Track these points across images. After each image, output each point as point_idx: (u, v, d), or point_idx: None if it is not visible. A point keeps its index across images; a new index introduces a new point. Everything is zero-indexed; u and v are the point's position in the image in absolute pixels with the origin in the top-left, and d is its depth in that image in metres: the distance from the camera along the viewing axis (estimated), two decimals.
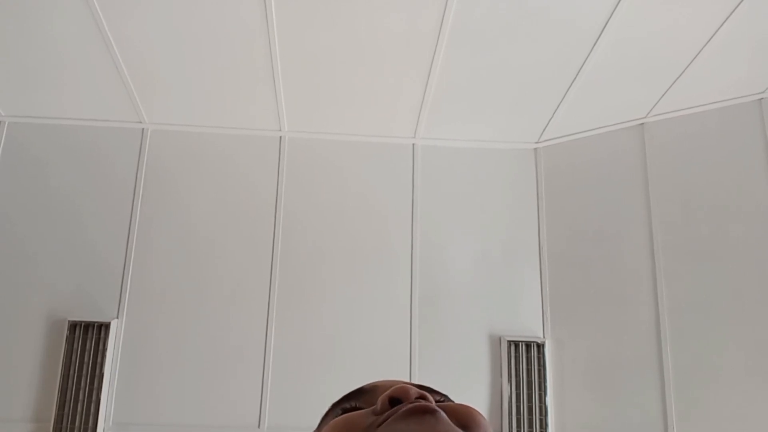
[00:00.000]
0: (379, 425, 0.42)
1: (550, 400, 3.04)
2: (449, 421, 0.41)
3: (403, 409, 0.41)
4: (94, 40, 2.60)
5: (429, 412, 0.41)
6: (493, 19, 2.41)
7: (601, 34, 2.47)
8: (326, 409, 0.49)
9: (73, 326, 2.96)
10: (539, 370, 3.06)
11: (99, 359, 2.93)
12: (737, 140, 2.98)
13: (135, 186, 3.21)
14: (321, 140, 3.36)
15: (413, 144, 3.38)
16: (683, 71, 2.74)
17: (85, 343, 2.94)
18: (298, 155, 3.33)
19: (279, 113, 3.15)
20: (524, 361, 3.07)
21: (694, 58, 2.64)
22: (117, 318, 3.04)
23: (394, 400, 0.43)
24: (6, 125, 3.20)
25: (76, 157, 3.22)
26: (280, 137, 3.34)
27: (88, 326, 2.97)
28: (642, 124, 3.20)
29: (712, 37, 2.49)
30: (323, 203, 3.28)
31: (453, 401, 0.48)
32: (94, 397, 2.88)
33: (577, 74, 2.76)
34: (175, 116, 3.22)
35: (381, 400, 0.43)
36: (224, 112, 3.17)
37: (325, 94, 2.98)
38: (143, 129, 3.29)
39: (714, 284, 2.87)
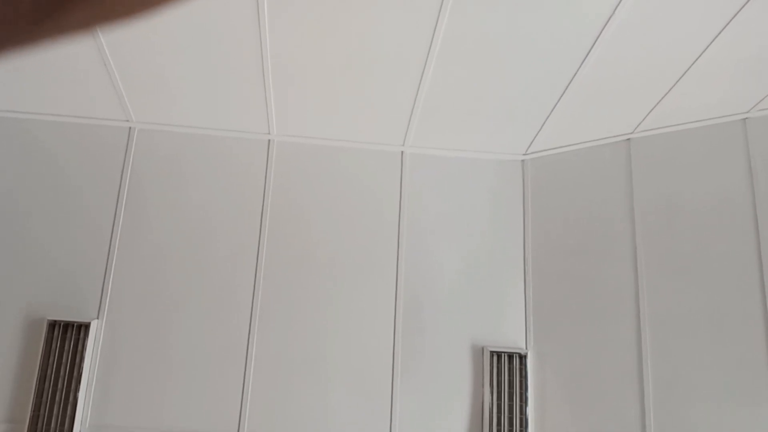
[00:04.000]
0: None
1: (530, 411, 3.05)
2: None
3: None
4: (84, 37, 2.57)
5: None
6: (484, 33, 2.42)
7: (589, 51, 2.49)
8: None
9: (52, 326, 2.92)
10: (521, 381, 3.07)
11: (77, 360, 2.89)
12: (721, 158, 3.02)
13: (120, 185, 3.18)
14: (310, 145, 3.35)
15: (402, 152, 3.39)
16: (670, 89, 2.77)
17: (63, 344, 2.90)
18: (286, 159, 3.32)
19: (268, 116, 3.14)
20: (506, 371, 3.08)
21: (681, 77, 2.67)
22: (97, 318, 3.00)
23: None
24: None
25: (59, 153, 3.18)
26: (269, 140, 3.33)
27: (67, 326, 2.92)
28: (628, 139, 3.23)
29: (698, 57, 2.53)
30: (310, 208, 3.27)
31: None
32: (70, 399, 2.84)
33: (565, 89, 2.78)
34: (163, 116, 3.19)
35: None
36: (213, 113, 3.14)
37: (316, 99, 2.97)
38: (130, 128, 3.26)
39: (696, 300, 2.90)
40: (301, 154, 3.33)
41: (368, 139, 3.33)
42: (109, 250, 3.09)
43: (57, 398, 2.83)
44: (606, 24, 2.33)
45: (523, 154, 3.43)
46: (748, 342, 2.77)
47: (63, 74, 2.87)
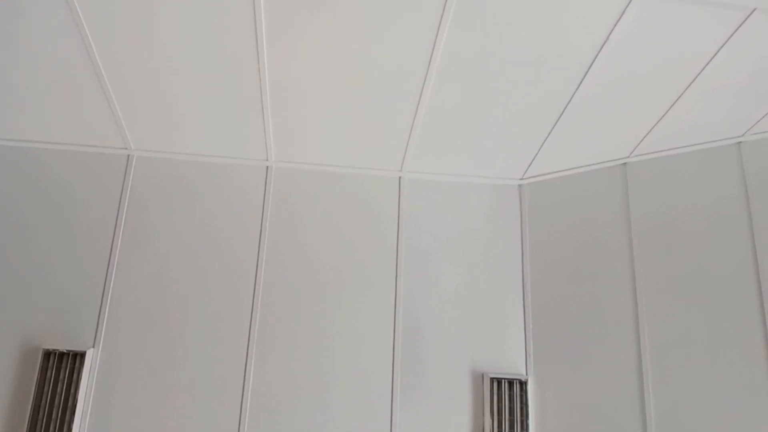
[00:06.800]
0: None
1: None
2: None
3: None
4: (82, 64, 2.60)
5: None
6: (480, 58, 2.46)
7: (585, 75, 2.52)
8: None
9: (48, 355, 2.88)
10: (521, 408, 3.04)
11: (72, 389, 2.85)
12: (717, 181, 3.04)
13: (118, 212, 3.18)
14: (308, 171, 3.36)
15: (399, 177, 3.40)
16: (665, 113, 2.80)
17: (59, 373, 2.87)
18: (284, 185, 3.33)
19: (266, 143, 3.16)
20: (507, 398, 3.04)
21: (676, 101, 2.70)
22: (93, 347, 2.97)
23: None
24: None
25: (58, 181, 3.19)
26: (267, 167, 3.34)
27: (62, 355, 2.89)
28: (625, 163, 3.25)
29: (693, 81, 2.56)
30: (308, 234, 3.27)
31: None
32: (65, 429, 2.79)
33: (561, 113, 2.80)
34: (162, 143, 3.21)
35: None
36: (211, 140, 3.16)
37: (313, 125, 2.99)
38: (128, 155, 3.27)
39: (696, 324, 2.89)
40: (300, 180, 3.35)
41: (366, 165, 3.35)
42: (106, 278, 3.07)
43: (51, 428, 2.78)
44: (601, 48, 2.36)
45: (520, 179, 3.45)
46: (749, 363, 2.75)
47: (62, 102, 2.88)
